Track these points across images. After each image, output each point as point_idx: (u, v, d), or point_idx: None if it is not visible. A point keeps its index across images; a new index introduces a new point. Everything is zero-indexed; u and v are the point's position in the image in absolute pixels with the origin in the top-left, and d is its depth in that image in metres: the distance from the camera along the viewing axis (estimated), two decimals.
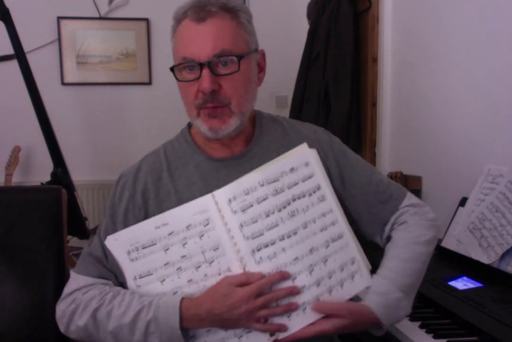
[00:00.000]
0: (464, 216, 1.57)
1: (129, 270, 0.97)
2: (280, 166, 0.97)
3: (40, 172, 2.98)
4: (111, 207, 1.06)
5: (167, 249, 0.95)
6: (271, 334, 0.92)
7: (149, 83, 3.33)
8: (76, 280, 1.02)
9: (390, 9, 2.40)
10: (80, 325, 0.98)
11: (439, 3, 1.99)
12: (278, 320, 0.92)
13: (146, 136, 3.28)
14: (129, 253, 0.96)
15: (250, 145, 1.08)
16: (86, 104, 3.29)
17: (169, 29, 1.02)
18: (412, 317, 1.17)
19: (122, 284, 1.01)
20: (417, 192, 2.11)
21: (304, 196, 0.97)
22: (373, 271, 1.02)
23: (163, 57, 3.19)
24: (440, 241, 1.59)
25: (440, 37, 1.99)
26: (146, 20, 3.28)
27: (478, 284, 1.33)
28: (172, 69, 1.00)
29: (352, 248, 0.99)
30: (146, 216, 1.02)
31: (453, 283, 1.34)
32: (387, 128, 2.48)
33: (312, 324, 0.92)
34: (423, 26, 2.12)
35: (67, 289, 1.03)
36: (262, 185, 0.94)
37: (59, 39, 3.20)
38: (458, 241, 1.54)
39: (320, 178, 1.00)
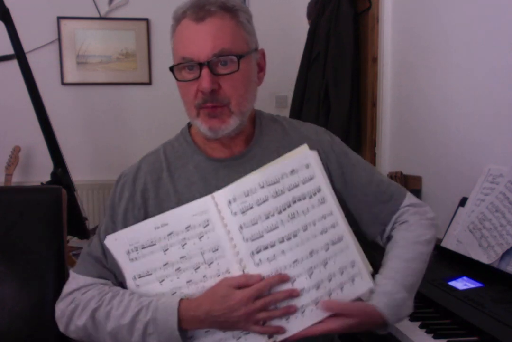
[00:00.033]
0: (464, 216, 1.57)
1: (128, 270, 0.97)
2: (281, 168, 0.97)
3: (40, 172, 2.98)
4: (110, 207, 1.06)
5: (166, 250, 0.95)
6: (269, 336, 0.92)
7: (149, 83, 3.33)
8: (75, 279, 1.02)
9: (390, 9, 2.40)
10: (79, 325, 0.97)
11: (439, 3, 1.99)
12: (276, 323, 0.91)
13: (146, 136, 3.27)
14: (128, 253, 0.96)
15: (250, 145, 1.07)
16: (86, 104, 3.29)
17: (169, 29, 1.02)
18: (412, 317, 1.16)
19: (122, 283, 1.01)
20: (417, 192, 2.11)
21: (304, 198, 0.96)
22: (374, 270, 1.01)
23: (163, 57, 3.19)
24: (440, 241, 1.59)
25: (440, 37, 1.99)
26: (146, 20, 3.28)
27: (478, 284, 1.32)
28: (171, 69, 1.00)
29: (352, 250, 0.99)
30: (146, 216, 1.02)
31: (453, 283, 1.34)
32: (387, 128, 2.48)
33: (319, 322, 0.92)
34: (423, 26, 2.12)
35: (66, 289, 1.03)
36: (262, 187, 0.94)
37: (59, 39, 3.20)
38: (458, 241, 1.54)
39: (321, 179, 1.00)
